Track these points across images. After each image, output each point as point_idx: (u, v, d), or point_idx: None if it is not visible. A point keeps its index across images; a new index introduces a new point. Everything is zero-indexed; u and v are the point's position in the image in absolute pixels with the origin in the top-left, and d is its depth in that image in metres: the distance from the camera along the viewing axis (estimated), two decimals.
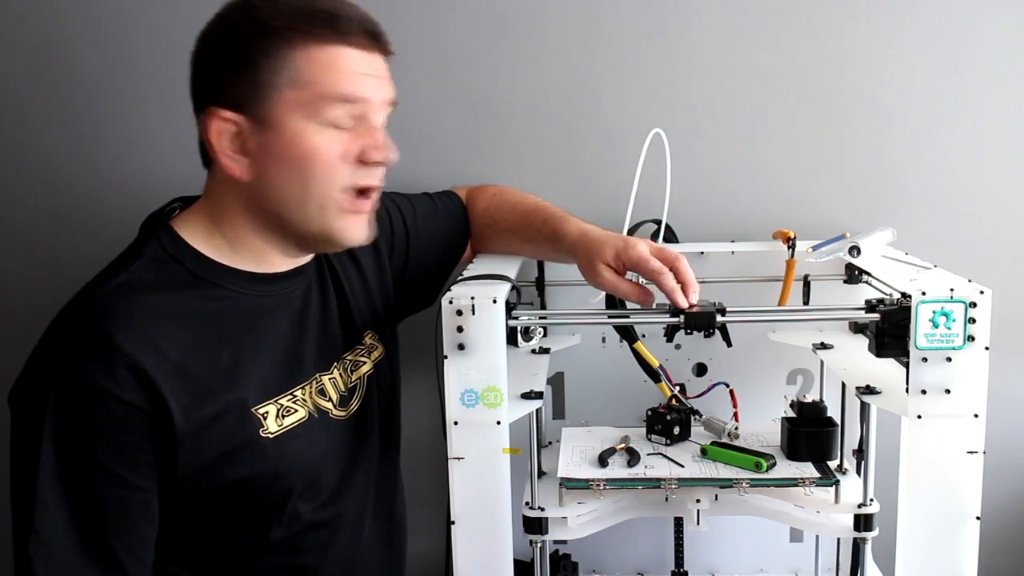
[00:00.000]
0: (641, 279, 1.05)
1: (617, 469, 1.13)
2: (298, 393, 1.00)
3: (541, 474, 1.16)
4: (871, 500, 1.08)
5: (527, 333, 1.20)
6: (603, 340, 1.33)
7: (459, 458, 0.98)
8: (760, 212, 1.38)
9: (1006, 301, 1.05)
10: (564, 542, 1.32)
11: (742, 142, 1.39)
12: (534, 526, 1.09)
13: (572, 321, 1.30)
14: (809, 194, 1.39)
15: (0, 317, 1.47)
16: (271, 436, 0.96)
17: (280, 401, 0.98)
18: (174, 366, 0.89)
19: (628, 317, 1.11)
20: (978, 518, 0.97)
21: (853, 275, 1.25)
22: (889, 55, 1.35)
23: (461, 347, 0.96)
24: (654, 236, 1.28)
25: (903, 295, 0.96)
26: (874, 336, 0.98)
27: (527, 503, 1.11)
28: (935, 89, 1.36)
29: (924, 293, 0.92)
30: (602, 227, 1.12)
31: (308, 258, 1.05)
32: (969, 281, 0.96)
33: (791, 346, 1.26)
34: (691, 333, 0.99)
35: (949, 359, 0.93)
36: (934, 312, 0.92)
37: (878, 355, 0.98)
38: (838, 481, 1.09)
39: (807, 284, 1.26)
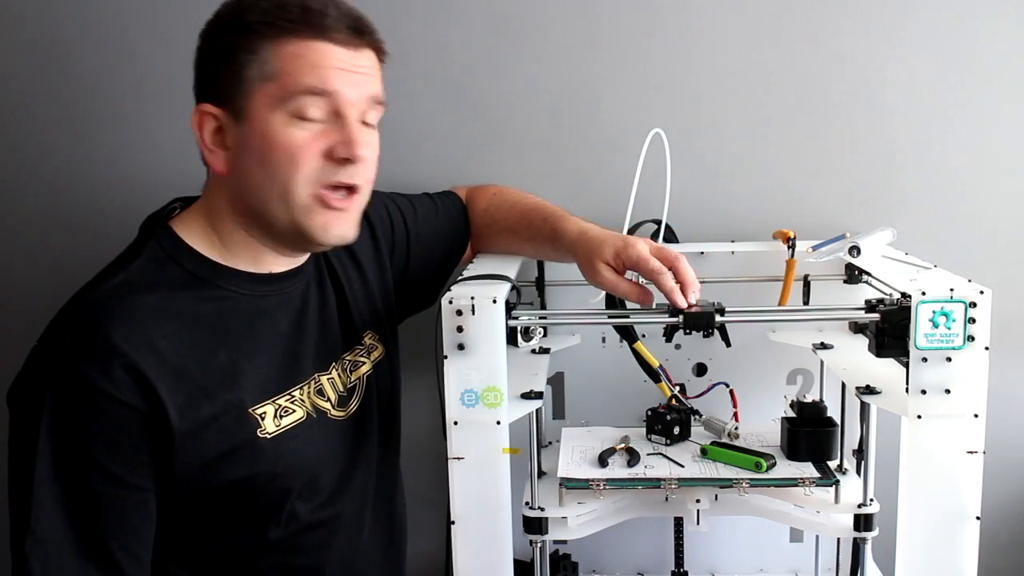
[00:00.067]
0: (641, 279, 1.05)
1: (617, 469, 1.13)
2: (296, 393, 1.00)
3: (541, 474, 1.16)
4: (871, 500, 1.08)
5: (527, 333, 1.20)
6: (603, 340, 1.33)
7: (459, 458, 0.98)
8: (760, 212, 1.38)
9: (1006, 301, 1.05)
10: (564, 542, 1.32)
11: (742, 142, 1.39)
12: (534, 526, 1.09)
13: (572, 321, 1.30)
14: (809, 194, 1.39)
15: (0, 317, 1.47)
16: (269, 436, 0.96)
17: (278, 401, 0.98)
18: (171, 366, 0.89)
19: (628, 317, 1.11)
20: (978, 518, 0.96)
21: (853, 275, 1.25)
22: (889, 55, 1.35)
23: (461, 347, 0.96)
24: (654, 236, 1.28)
25: (903, 295, 0.96)
26: (874, 336, 0.98)
27: (527, 503, 1.11)
28: (935, 89, 1.36)
29: (924, 293, 0.92)
30: (602, 227, 1.12)
31: (304, 258, 1.05)
32: (969, 281, 0.96)
33: (791, 346, 1.26)
34: (690, 333, 0.99)
35: (949, 359, 0.93)
36: (934, 312, 0.92)
37: (878, 355, 0.97)
38: (838, 481, 1.09)
39: (807, 284, 1.26)
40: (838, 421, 1.17)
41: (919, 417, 0.95)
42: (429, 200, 1.27)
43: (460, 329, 0.96)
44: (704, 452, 1.15)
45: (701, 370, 1.33)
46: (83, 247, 1.34)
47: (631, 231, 1.26)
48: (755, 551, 1.37)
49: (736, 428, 1.19)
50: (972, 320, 0.92)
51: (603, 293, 1.09)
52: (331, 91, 0.92)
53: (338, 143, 0.93)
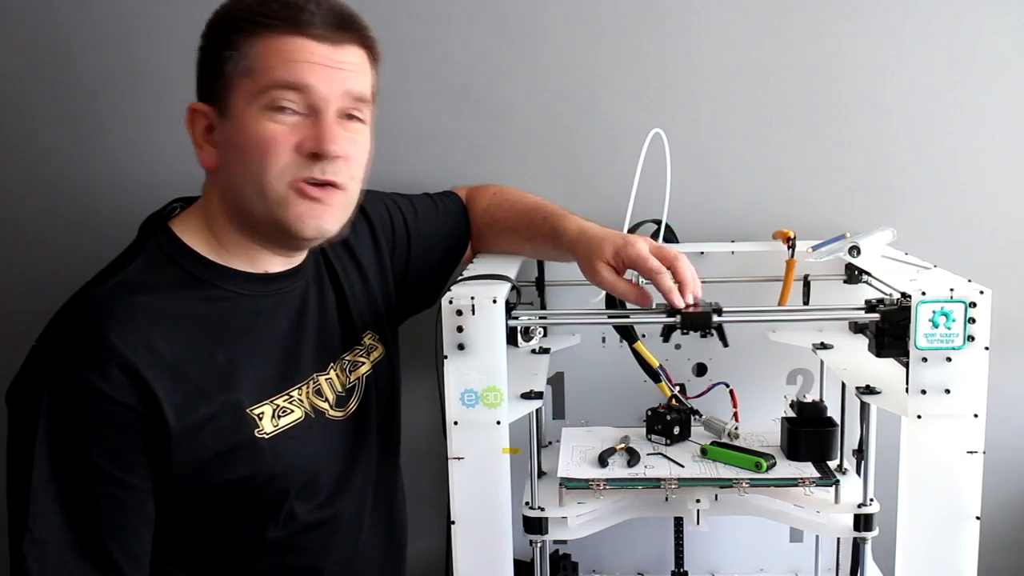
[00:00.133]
0: (641, 278, 1.05)
1: (617, 469, 1.13)
2: (294, 393, 1.00)
3: (541, 474, 1.16)
4: (871, 500, 1.08)
5: (527, 333, 1.20)
6: (603, 340, 1.33)
7: (459, 458, 0.98)
8: (760, 212, 1.38)
9: (1006, 301, 1.05)
10: (564, 542, 1.32)
11: (742, 142, 1.39)
12: (534, 526, 1.09)
13: (572, 321, 1.29)
14: (809, 194, 1.39)
15: (0, 317, 1.47)
16: (266, 437, 0.96)
17: (276, 401, 0.98)
18: (168, 366, 0.89)
19: (628, 317, 1.11)
20: (978, 518, 0.96)
21: (853, 275, 1.25)
22: (889, 55, 1.35)
23: (461, 347, 0.96)
24: (654, 236, 1.28)
25: (903, 295, 0.96)
26: (874, 336, 0.98)
27: (527, 503, 1.11)
28: (935, 89, 1.36)
29: (924, 293, 0.92)
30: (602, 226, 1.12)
31: (301, 258, 1.05)
32: (969, 281, 0.96)
33: (791, 346, 1.26)
34: (687, 333, 0.99)
35: (949, 359, 0.93)
36: (934, 312, 0.92)
37: (878, 355, 0.97)
38: (838, 481, 1.09)
39: (807, 284, 1.26)
40: (838, 421, 1.17)
41: (919, 417, 0.95)
42: (429, 200, 1.27)
43: (460, 329, 0.96)
44: (704, 452, 1.15)
45: (701, 370, 1.33)
46: (83, 247, 1.34)
47: (631, 231, 1.26)
48: (755, 551, 1.37)
49: (736, 428, 1.19)
50: (972, 320, 0.92)
51: (603, 293, 1.09)
52: (304, 85, 0.92)
53: (309, 137, 0.93)
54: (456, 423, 0.98)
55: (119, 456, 0.88)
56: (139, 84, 1.40)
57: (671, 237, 1.33)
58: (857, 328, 1.21)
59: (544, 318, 1.18)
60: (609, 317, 1.15)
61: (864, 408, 1.10)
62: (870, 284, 1.19)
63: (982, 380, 0.94)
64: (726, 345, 1.02)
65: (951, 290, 0.92)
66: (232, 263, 0.99)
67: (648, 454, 1.16)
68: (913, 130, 1.37)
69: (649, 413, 1.21)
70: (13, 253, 1.47)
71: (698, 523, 1.11)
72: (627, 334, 1.19)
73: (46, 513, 0.86)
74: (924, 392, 0.94)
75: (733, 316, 0.99)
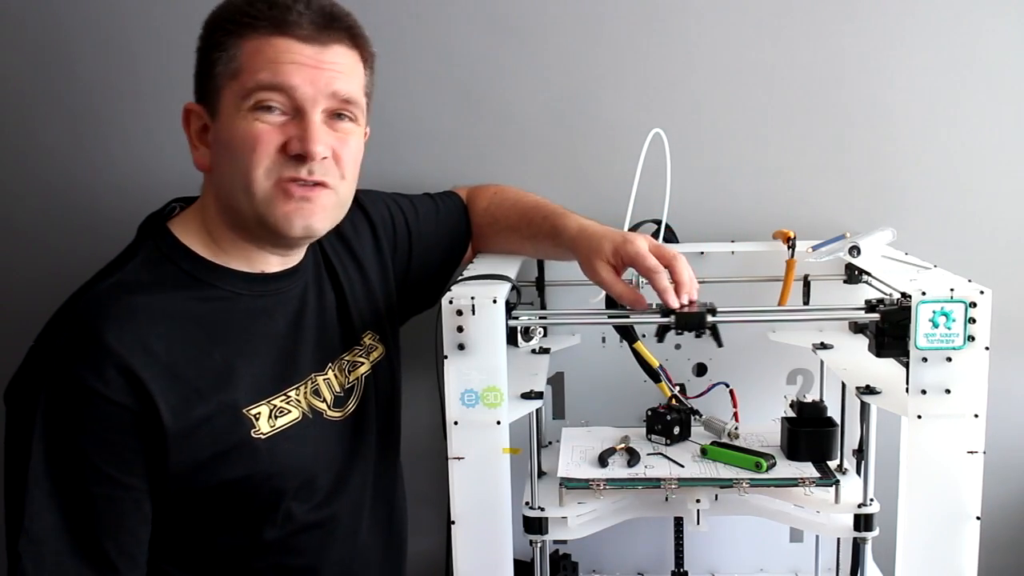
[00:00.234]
0: (640, 278, 1.05)
1: (617, 469, 1.13)
2: (292, 394, 1.00)
3: (541, 474, 1.16)
4: (871, 500, 1.08)
5: (527, 333, 1.20)
6: (603, 340, 1.33)
7: (459, 458, 0.98)
8: (760, 212, 1.38)
9: (1006, 301, 1.05)
10: (564, 542, 1.32)
11: (742, 142, 1.39)
12: (534, 526, 1.09)
13: (572, 321, 1.29)
14: (809, 194, 1.39)
15: (0, 317, 1.47)
16: (263, 437, 0.95)
17: (273, 402, 0.98)
18: (165, 366, 0.89)
19: (628, 317, 1.11)
20: (978, 518, 0.96)
21: (853, 275, 1.25)
22: (889, 55, 1.35)
23: (461, 347, 0.96)
24: (654, 236, 1.28)
25: (903, 295, 0.95)
26: (874, 336, 0.97)
27: (527, 503, 1.10)
28: (935, 89, 1.36)
29: (924, 293, 0.92)
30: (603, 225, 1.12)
31: (299, 258, 1.05)
32: (969, 281, 0.96)
33: (791, 346, 1.26)
34: (681, 333, 0.99)
35: (949, 359, 0.93)
36: (934, 312, 0.92)
37: (878, 355, 0.97)
38: (838, 481, 1.09)
39: (807, 284, 1.26)
40: (838, 421, 1.17)
41: (919, 417, 0.95)
42: (430, 200, 1.26)
43: (460, 329, 0.96)
44: (704, 452, 1.15)
45: (701, 370, 1.33)
46: (83, 247, 1.34)
47: (631, 231, 1.26)
48: (755, 551, 1.37)
49: (736, 428, 1.19)
50: (972, 320, 0.92)
51: (603, 293, 1.09)
52: (289, 86, 0.92)
53: (295, 138, 0.93)
54: (456, 423, 0.98)
55: (116, 456, 0.88)
56: (139, 84, 1.40)
57: (671, 237, 1.33)
58: (857, 328, 1.21)
59: (544, 318, 1.18)
60: (609, 317, 1.14)
61: (864, 408, 1.10)
62: (870, 284, 1.19)
63: (982, 380, 0.94)
64: (720, 345, 1.02)
65: (951, 290, 0.92)
66: (229, 263, 0.99)
67: (648, 454, 1.16)
68: (913, 130, 1.37)
69: (649, 413, 1.21)
70: (13, 253, 1.47)
71: (698, 523, 1.11)
72: (627, 334, 1.19)
73: (43, 512, 0.86)
74: (924, 392, 0.94)
75: (727, 316, 0.99)
